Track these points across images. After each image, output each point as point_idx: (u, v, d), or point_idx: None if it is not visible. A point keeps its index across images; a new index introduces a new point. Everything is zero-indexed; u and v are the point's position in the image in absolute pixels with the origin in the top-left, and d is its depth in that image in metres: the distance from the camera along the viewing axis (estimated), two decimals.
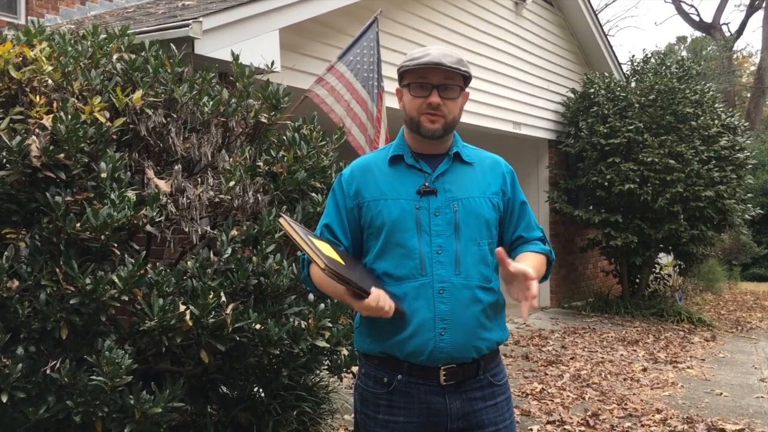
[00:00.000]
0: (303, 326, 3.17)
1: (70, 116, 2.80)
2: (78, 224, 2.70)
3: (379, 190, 1.94)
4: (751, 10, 26.11)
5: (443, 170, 1.94)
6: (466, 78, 1.93)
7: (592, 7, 10.22)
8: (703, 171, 8.69)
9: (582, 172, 9.46)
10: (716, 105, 9.46)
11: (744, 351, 7.44)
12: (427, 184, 1.91)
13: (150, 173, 3.14)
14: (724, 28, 28.09)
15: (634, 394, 5.46)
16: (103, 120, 2.94)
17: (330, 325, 3.23)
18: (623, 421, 4.75)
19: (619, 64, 10.95)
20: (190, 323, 2.84)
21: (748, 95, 27.17)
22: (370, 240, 1.95)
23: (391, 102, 5.57)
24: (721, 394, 5.54)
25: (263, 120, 3.63)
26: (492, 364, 1.96)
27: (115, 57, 3.37)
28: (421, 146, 1.96)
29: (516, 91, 8.82)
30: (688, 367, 6.47)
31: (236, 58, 3.70)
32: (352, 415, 4.50)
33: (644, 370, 6.32)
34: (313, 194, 3.48)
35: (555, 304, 9.85)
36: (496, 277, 1.94)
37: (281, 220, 1.84)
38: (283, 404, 3.69)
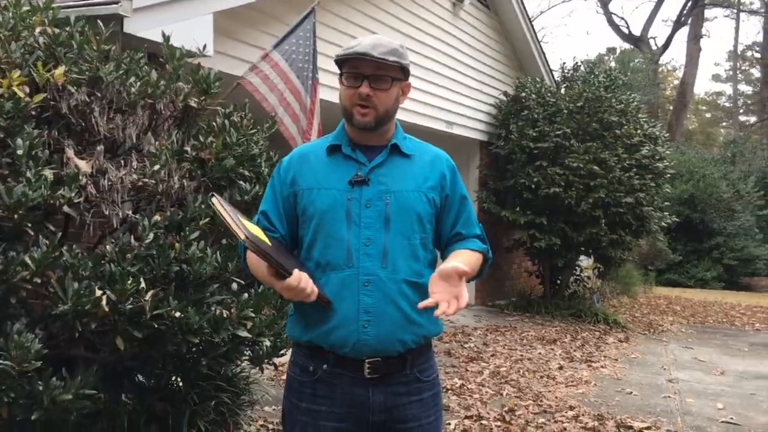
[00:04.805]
0: (225, 315, 3.12)
1: None
2: None
3: (314, 178, 1.92)
4: (677, 26, 27.23)
5: (379, 162, 1.92)
6: (404, 69, 1.89)
7: (527, 13, 10.43)
8: (624, 178, 9.00)
9: (511, 173, 9.64)
10: (640, 115, 9.80)
11: (654, 352, 7.76)
12: (359, 174, 1.89)
13: (70, 152, 3.03)
14: (652, 41, 29.18)
15: (549, 391, 5.62)
16: (21, 95, 2.81)
17: (252, 315, 3.19)
18: (538, 416, 4.89)
19: (551, 70, 11.22)
20: (107, 309, 2.75)
21: (671, 108, 28.33)
22: (303, 228, 1.94)
23: (325, 94, 5.55)
24: (631, 393, 5.77)
25: (192, 104, 3.54)
26: (421, 359, 1.95)
27: (37, 30, 3.22)
28: (359, 136, 1.93)
29: (450, 91, 8.92)
30: (602, 367, 6.71)
31: (167, 39, 3.60)
32: (272, 407, 4.48)
33: (560, 368, 6.51)
34: (242, 182, 3.42)
35: (480, 302, 10.03)
36: (429, 272, 1.89)
37: (213, 199, 1.81)
38: (201, 394, 3.63)
